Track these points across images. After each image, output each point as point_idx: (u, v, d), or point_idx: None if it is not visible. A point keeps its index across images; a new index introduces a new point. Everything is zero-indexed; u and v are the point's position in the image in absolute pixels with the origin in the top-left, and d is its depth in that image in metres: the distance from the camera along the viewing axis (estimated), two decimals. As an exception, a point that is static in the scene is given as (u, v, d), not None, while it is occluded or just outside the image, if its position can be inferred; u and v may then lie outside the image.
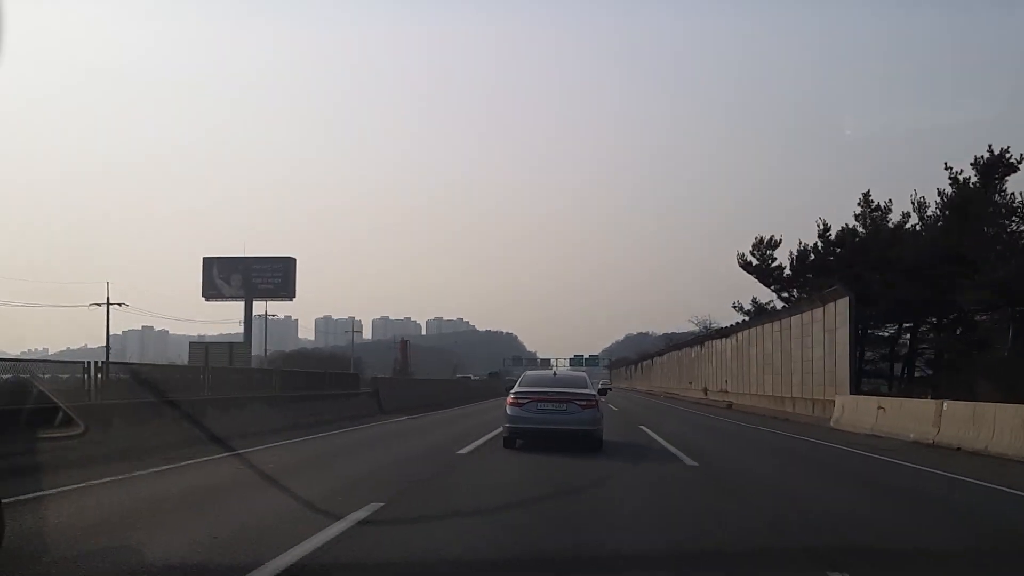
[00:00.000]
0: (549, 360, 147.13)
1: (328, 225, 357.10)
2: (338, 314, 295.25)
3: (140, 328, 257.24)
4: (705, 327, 70.75)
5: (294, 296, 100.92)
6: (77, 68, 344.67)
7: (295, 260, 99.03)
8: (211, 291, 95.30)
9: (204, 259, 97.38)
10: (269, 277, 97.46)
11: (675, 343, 69.92)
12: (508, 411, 14.97)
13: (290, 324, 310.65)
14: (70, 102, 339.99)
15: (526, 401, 14.81)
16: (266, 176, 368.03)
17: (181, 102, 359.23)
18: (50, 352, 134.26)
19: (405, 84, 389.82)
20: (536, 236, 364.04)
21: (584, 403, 14.77)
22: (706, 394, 50.28)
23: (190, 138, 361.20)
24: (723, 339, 45.94)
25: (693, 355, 57.32)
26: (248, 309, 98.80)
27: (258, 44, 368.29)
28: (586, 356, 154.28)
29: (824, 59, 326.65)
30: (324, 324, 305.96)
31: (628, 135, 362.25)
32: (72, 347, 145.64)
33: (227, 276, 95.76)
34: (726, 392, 44.39)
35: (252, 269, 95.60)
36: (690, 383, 57.90)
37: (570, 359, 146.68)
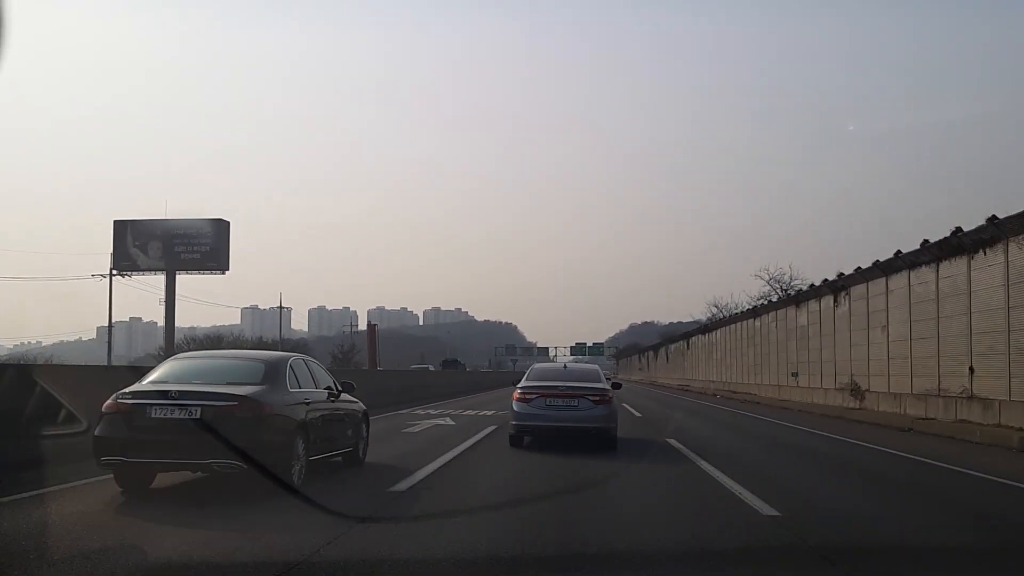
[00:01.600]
0: (547, 349, 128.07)
1: (324, 214, 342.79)
2: (332, 304, 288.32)
3: (128, 319, 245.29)
4: (786, 289, 42.44)
5: (227, 267, 73.81)
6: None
7: (228, 224, 74.65)
8: (124, 261, 71.67)
9: (115, 223, 73.22)
10: (195, 244, 73.41)
11: (750, 309, 40.32)
12: (514, 407, 13.35)
13: (284, 314, 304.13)
14: None
15: (534, 396, 13.17)
16: (265, 177, 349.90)
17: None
18: (44, 344, 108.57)
19: (403, 74, 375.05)
20: (536, 227, 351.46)
21: (597, 398, 13.09)
22: (860, 401, 21.87)
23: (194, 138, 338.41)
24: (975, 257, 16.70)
25: (803, 321, 29.20)
26: (170, 283, 72.37)
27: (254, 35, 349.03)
28: (589, 344, 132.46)
29: (823, 57, 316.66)
30: (318, 314, 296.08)
31: (624, 128, 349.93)
32: (67, 339, 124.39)
33: (144, 243, 72.40)
34: (983, 401, 15.95)
35: (174, 235, 72.16)
36: (794, 375, 29.37)
37: (571, 347, 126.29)
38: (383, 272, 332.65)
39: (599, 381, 13.92)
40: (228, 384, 8.34)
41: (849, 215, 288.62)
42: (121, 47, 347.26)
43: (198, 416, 7.76)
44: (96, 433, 8.01)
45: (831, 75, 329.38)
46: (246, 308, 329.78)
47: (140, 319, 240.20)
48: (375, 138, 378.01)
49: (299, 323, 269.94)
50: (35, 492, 7.85)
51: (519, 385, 13.70)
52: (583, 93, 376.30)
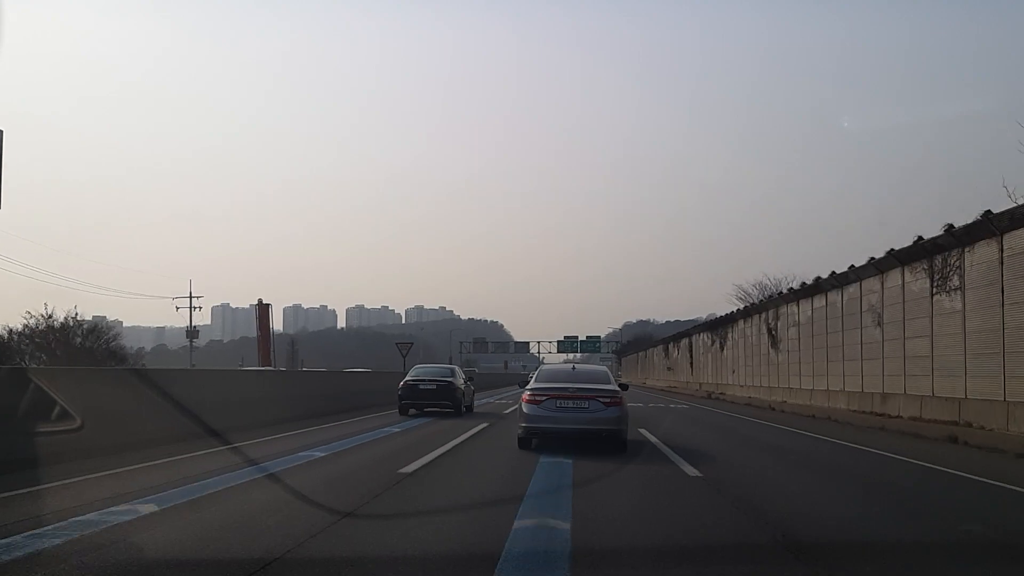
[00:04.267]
0: (528, 344, 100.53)
1: (305, 211, 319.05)
2: (309, 303, 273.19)
3: (91, 318, 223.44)
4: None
5: None
6: None
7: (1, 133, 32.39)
8: None
9: None
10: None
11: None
12: (524, 409, 12.41)
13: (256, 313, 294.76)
14: None
15: (544, 398, 12.25)
16: (245, 174, 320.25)
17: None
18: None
19: (389, 74, 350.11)
20: (525, 226, 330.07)
21: (608, 400, 12.11)
22: None
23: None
24: None
25: None
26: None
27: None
28: (583, 338, 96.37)
29: (819, 53, 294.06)
30: (294, 313, 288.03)
31: (614, 127, 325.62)
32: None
33: None
34: None
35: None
36: None
37: (558, 342, 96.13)
38: (367, 272, 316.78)
39: (609, 383, 12.88)
40: (441, 376, 21.68)
41: (845, 212, 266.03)
42: (112, 44, 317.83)
43: (435, 388, 20.86)
44: (399, 393, 20.86)
45: (827, 72, 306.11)
46: (216, 307, 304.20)
47: (104, 317, 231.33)
48: (358, 137, 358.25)
49: (275, 322, 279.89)
50: (32, 488, 8.02)
51: (528, 387, 12.83)
52: (573, 89, 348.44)
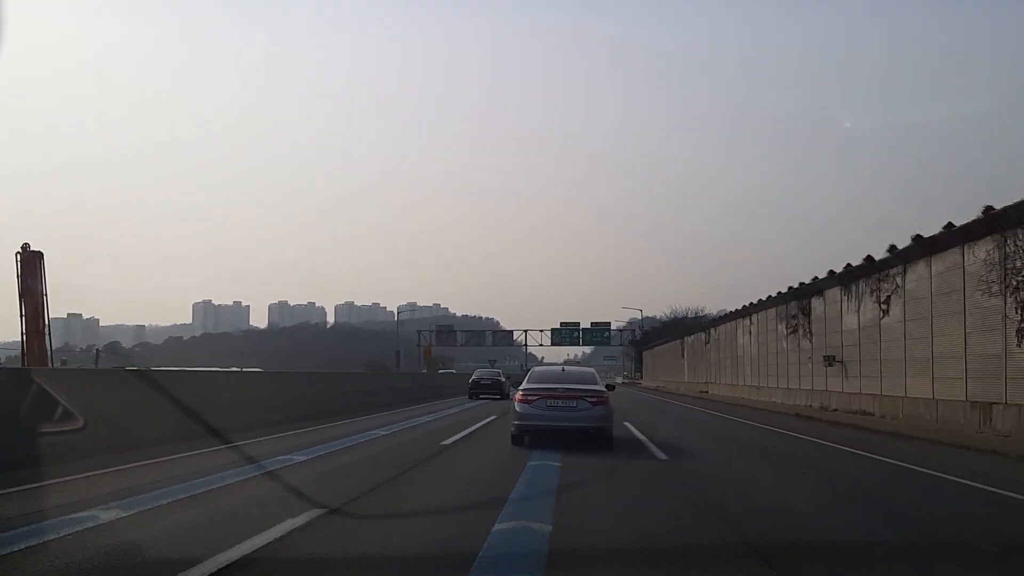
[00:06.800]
0: (512, 333, 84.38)
1: (291, 208, 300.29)
2: (295, 299, 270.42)
3: (66, 316, 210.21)
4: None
5: None
6: None
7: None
8: None
9: None
10: None
11: None
12: (517, 408, 13.30)
13: (241, 310, 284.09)
14: None
15: (535, 398, 13.07)
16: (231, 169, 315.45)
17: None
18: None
19: (378, 67, 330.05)
20: (522, 223, 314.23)
21: (595, 400, 13.02)
22: None
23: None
24: None
25: None
26: None
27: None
28: (586, 325, 66.37)
29: (821, 54, 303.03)
30: (279, 309, 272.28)
31: (611, 130, 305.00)
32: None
33: None
34: None
35: None
36: None
37: (552, 331, 78.90)
38: (362, 271, 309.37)
39: (596, 384, 13.72)
40: (493, 376, 37.92)
41: (845, 211, 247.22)
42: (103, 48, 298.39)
43: (490, 383, 36.48)
44: (469, 385, 36.58)
45: (828, 72, 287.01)
46: (198, 303, 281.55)
47: (80, 315, 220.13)
48: (355, 133, 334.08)
49: (258, 319, 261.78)
50: (34, 485, 7.96)
51: (521, 387, 13.70)
52: (564, 90, 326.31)
